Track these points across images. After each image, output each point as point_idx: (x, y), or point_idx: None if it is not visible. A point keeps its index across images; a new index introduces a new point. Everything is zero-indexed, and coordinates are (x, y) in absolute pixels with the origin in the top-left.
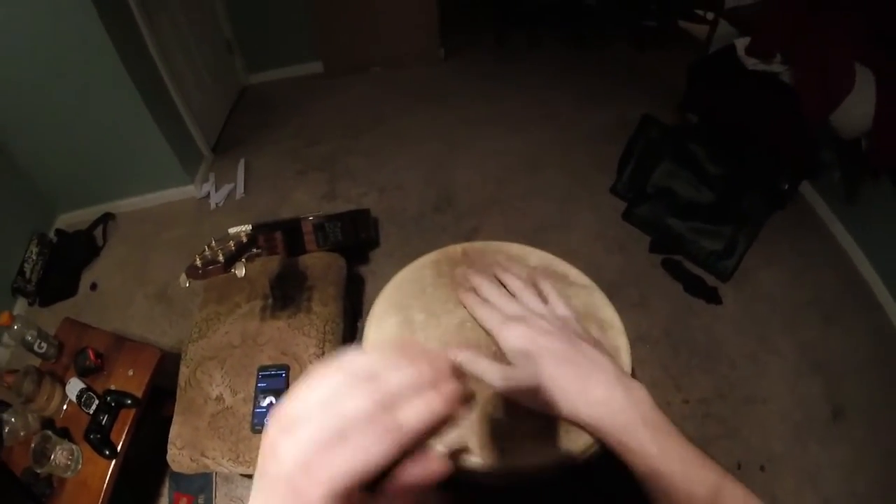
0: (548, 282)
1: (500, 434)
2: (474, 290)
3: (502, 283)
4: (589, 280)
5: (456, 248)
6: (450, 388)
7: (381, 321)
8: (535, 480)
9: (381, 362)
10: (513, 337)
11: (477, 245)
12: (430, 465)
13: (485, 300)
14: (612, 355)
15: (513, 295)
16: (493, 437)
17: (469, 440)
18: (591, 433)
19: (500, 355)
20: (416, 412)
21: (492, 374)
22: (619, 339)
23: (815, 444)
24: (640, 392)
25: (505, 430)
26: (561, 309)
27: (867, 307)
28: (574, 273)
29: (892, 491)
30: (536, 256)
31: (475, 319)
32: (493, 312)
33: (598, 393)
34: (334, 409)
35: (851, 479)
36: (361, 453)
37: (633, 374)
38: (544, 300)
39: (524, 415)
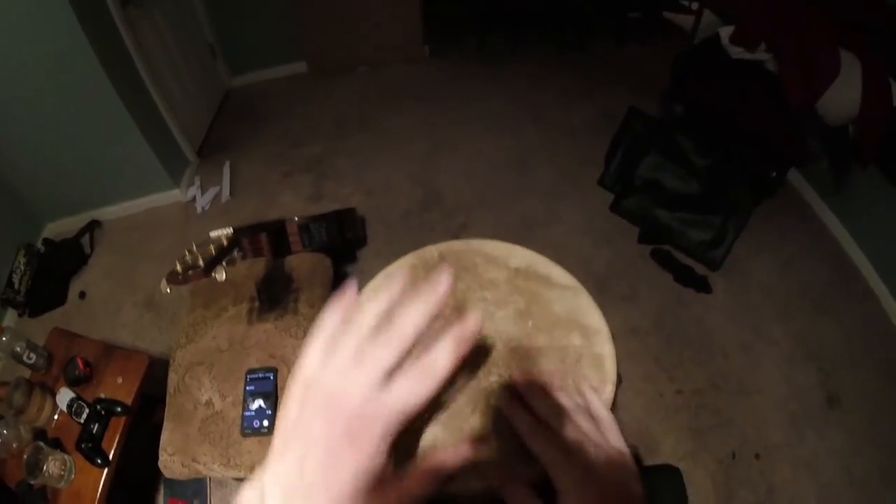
0: (600, 403)
1: (486, 454)
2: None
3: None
4: (573, 280)
5: (432, 251)
6: (469, 322)
7: None
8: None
9: (393, 302)
10: (570, 485)
11: (454, 245)
12: (460, 450)
13: (543, 426)
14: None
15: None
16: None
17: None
18: None
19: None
20: (445, 352)
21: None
22: (605, 346)
23: (810, 432)
24: None
25: (489, 450)
26: (621, 444)
27: (858, 294)
28: (557, 273)
29: (890, 477)
30: (518, 256)
31: (528, 446)
32: (560, 457)
33: None
34: (371, 360)
35: (848, 466)
36: (407, 394)
37: (620, 381)
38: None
39: (505, 433)
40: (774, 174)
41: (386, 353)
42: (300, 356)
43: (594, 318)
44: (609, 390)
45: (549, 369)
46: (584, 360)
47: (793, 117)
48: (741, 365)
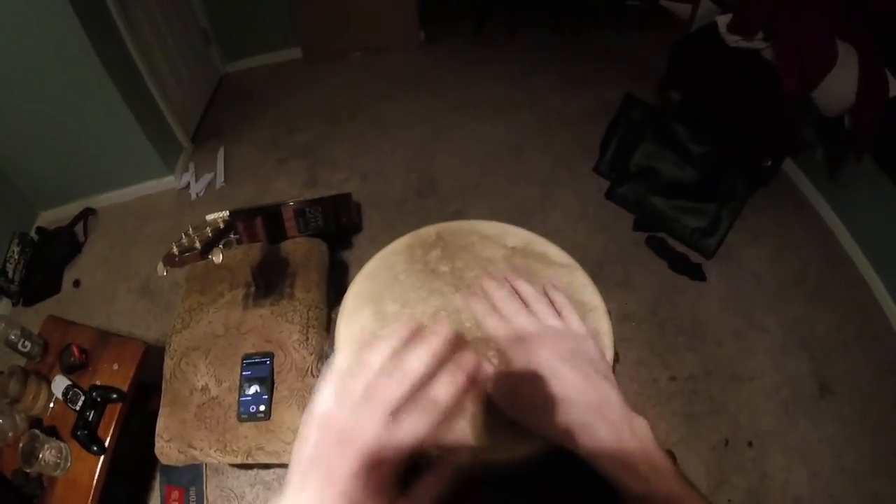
0: (561, 293)
1: (482, 430)
2: (483, 294)
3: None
4: (570, 258)
5: (430, 231)
6: (466, 359)
7: (352, 315)
8: (522, 469)
9: (398, 347)
10: (524, 358)
11: (452, 226)
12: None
13: (495, 308)
14: (615, 382)
15: (525, 304)
16: (474, 433)
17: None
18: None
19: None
20: (445, 387)
21: (500, 394)
22: (601, 322)
23: (803, 419)
24: (644, 431)
25: (485, 425)
26: (575, 324)
27: (851, 283)
28: (553, 251)
29: (880, 465)
30: (514, 235)
31: (482, 329)
32: (504, 325)
33: (604, 432)
34: (380, 398)
35: (840, 454)
36: (414, 428)
37: (617, 358)
38: (558, 313)
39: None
40: (769, 163)
41: (393, 390)
42: (314, 394)
43: (591, 294)
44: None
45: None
46: None
47: (788, 107)
48: (734, 352)
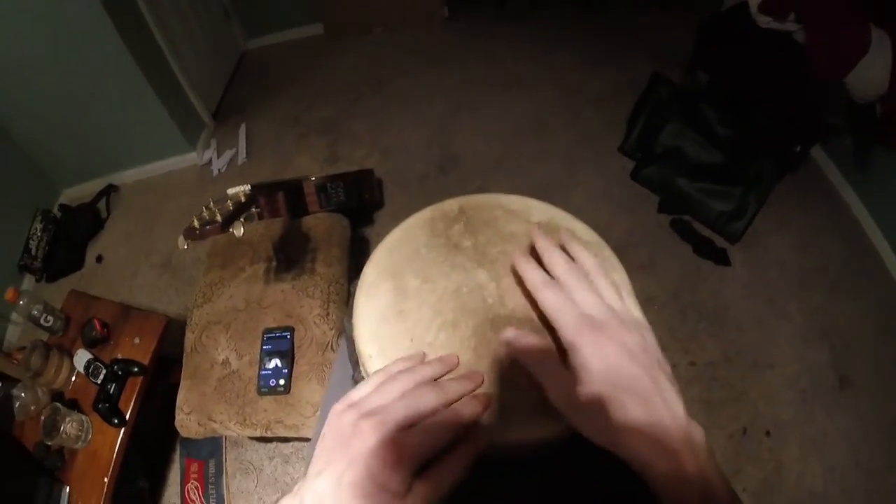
0: (623, 269)
1: (503, 409)
2: (535, 260)
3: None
4: (596, 236)
5: (452, 204)
6: (486, 399)
7: (371, 289)
8: (540, 452)
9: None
10: (593, 353)
11: (474, 199)
12: (475, 442)
13: (553, 281)
14: (673, 380)
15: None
16: (495, 413)
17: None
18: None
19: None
20: (469, 409)
21: (556, 390)
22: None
23: (821, 411)
24: (700, 439)
25: (506, 404)
26: (636, 311)
27: (876, 276)
28: (580, 228)
29: None
30: (539, 210)
31: (538, 301)
32: (568, 305)
33: (667, 442)
34: (413, 403)
35: (856, 448)
36: (436, 435)
37: None
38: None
39: (524, 388)
40: (798, 149)
41: (429, 398)
42: (353, 388)
43: (619, 274)
44: None
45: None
46: None
47: (819, 91)
48: (755, 340)
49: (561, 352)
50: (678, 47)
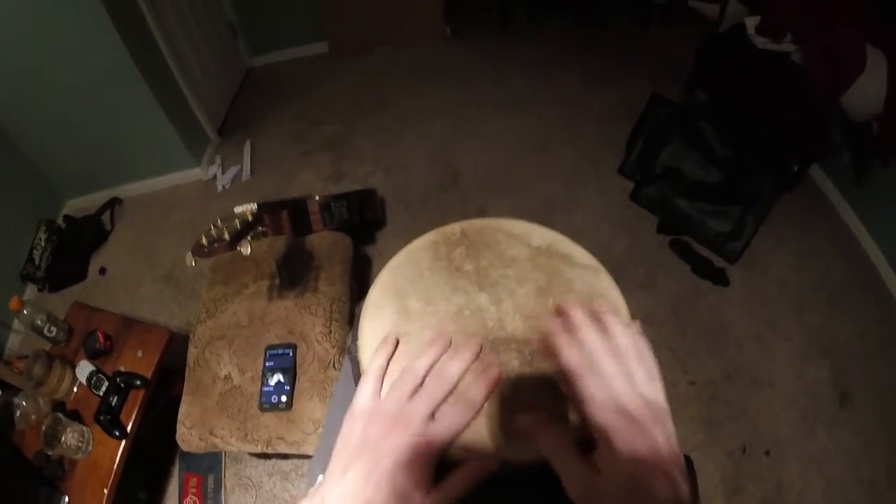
0: (644, 341)
1: (502, 428)
2: (569, 325)
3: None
4: (595, 260)
5: (454, 228)
6: (493, 371)
7: (376, 310)
8: (540, 466)
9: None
10: (622, 447)
11: (476, 223)
12: (487, 463)
13: (592, 367)
14: (685, 471)
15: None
16: (495, 431)
17: (478, 435)
18: None
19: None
20: (480, 390)
21: (574, 479)
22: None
23: (821, 428)
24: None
25: (506, 423)
26: (661, 396)
27: (875, 292)
28: (579, 253)
29: None
30: (539, 234)
31: (573, 386)
32: (604, 393)
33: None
34: (426, 398)
35: (857, 465)
36: (451, 423)
37: None
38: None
39: (523, 408)
40: (796, 167)
41: (437, 390)
42: (356, 393)
43: (615, 297)
44: None
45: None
46: None
47: (816, 111)
48: (755, 358)
49: (571, 428)
50: (678, 66)
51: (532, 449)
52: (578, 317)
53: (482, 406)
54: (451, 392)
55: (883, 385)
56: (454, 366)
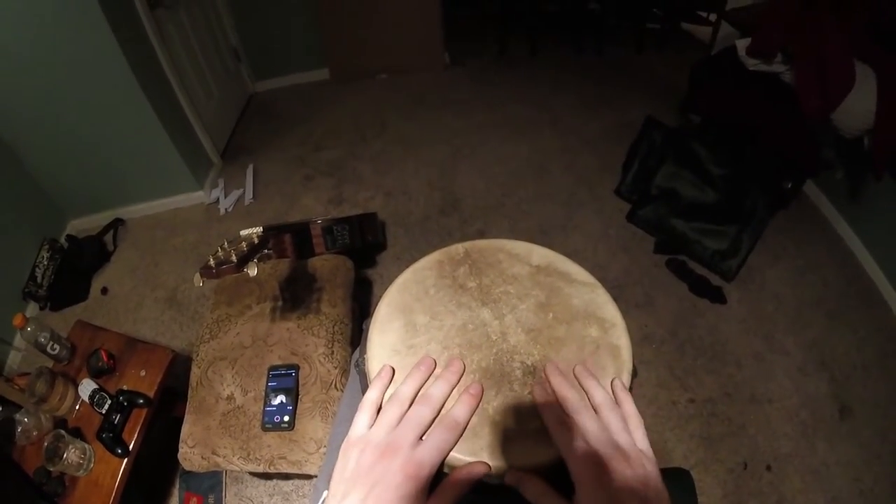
0: (630, 399)
1: (506, 437)
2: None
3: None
4: (591, 277)
5: (458, 248)
6: (475, 387)
7: (384, 325)
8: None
9: (423, 381)
10: (597, 486)
11: (479, 244)
12: (475, 467)
13: (571, 417)
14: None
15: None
16: (499, 440)
17: (478, 445)
18: None
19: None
20: (463, 409)
21: None
22: (622, 339)
23: (822, 442)
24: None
25: (509, 432)
26: (643, 442)
27: (872, 305)
28: (576, 270)
29: None
30: (539, 254)
31: (555, 441)
32: (584, 447)
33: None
34: (414, 424)
35: (859, 477)
36: (440, 443)
37: (635, 373)
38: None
39: (526, 417)
40: (790, 185)
41: (422, 414)
42: (353, 424)
43: (611, 312)
44: (625, 379)
45: (581, 361)
46: (602, 349)
47: (809, 128)
48: (754, 374)
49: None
50: (672, 88)
51: (528, 456)
52: (556, 380)
53: (467, 423)
54: (437, 413)
55: (883, 397)
56: (439, 388)
